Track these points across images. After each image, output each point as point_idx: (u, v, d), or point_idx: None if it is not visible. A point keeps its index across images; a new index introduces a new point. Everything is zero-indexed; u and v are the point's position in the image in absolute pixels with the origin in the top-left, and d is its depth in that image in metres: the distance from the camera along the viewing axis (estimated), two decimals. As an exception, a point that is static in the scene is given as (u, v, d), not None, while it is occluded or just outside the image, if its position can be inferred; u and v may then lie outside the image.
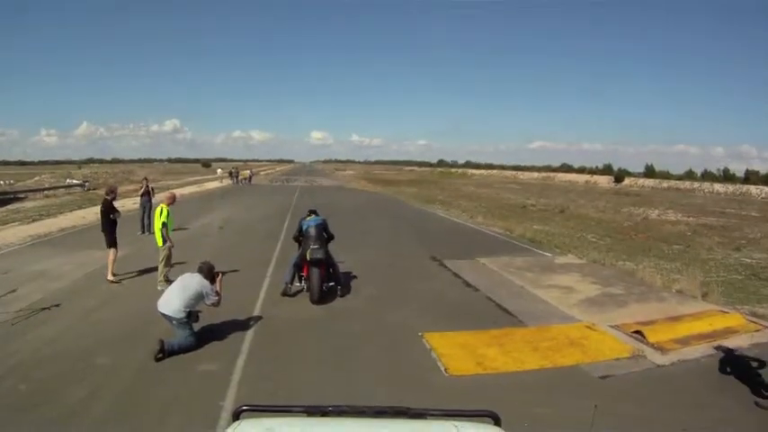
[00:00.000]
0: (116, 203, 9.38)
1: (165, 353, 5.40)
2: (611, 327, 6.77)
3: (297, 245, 8.37)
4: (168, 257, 8.54)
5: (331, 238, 8.33)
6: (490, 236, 15.55)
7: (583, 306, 7.77)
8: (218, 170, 53.87)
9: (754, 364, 5.84)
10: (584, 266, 10.87)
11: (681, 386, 5.13)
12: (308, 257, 7.76)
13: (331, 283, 8.06)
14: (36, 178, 43.71)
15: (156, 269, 8.66)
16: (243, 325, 6.52)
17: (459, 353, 5.77)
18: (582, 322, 6.98)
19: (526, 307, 7.68)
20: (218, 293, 6.04)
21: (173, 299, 5.74)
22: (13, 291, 7.98)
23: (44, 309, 7.12)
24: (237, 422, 1.75)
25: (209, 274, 6.05)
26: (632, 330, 6.53)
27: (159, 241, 8.53)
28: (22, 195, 26.75)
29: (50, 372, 5.10)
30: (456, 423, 1.76)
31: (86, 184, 34.49)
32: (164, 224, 8.47)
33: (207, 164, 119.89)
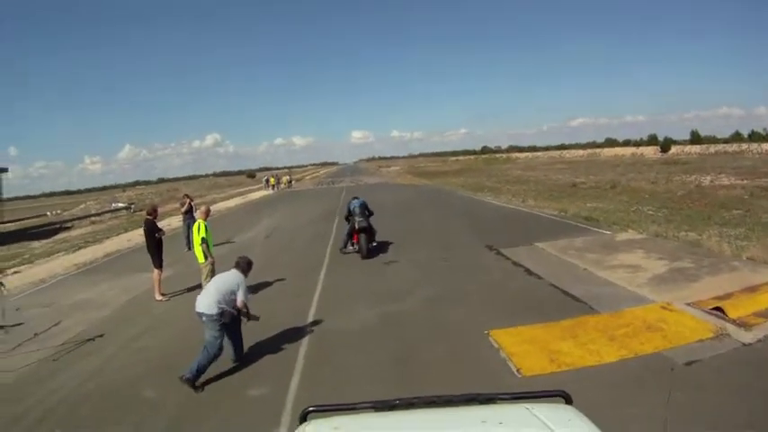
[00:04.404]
0: (162, 223, 9.28)
1: (194, 383, 5.04)
2: (688, 305, 6.30)
3: (346, 223, 11.28)
4: (212, 273, 8.12)
5: (371, 213, 11.09)
6: (544, 218, 14.95)
7: (653, 284, 7.29)
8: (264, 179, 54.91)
9: None
10: (647, 241, 10.31)
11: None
12: (356, 227, 10.72)
13: (374, 244, 11.02)
14: (81, 206, 45.24)
15: (200, 287, 8.31)
16: (295, 338, 6.27)
17: (530, 350, 5.36)
18: (656, 303, 6.50)
19: (594, 291, 7.21)
20: (246, 303, 5.57)
21: (209, 294, 5.41)
22: (57, 323, 7.95)
23: (88, 340, 7.01)
24: (305, 423, 1.74)
25: (248, 267, 5.79)
26: (711, 307, 6.04)
27: (200, 258, 8.32)
28: (68, 224, 27.35)
29: (92, 409, 4.95)
30: (528, 405, 1.74)
31: (132, 206, 35.21)
32: (203, 239, 8.25)
33: (252, 174, 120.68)
